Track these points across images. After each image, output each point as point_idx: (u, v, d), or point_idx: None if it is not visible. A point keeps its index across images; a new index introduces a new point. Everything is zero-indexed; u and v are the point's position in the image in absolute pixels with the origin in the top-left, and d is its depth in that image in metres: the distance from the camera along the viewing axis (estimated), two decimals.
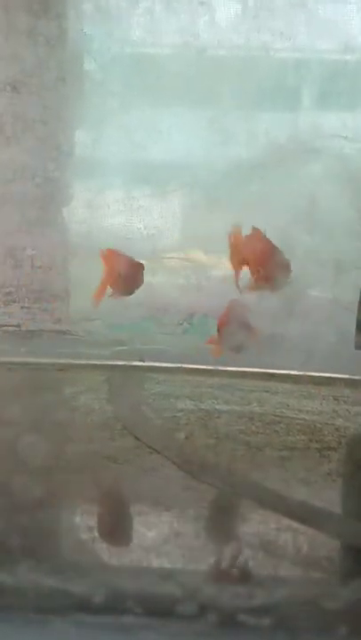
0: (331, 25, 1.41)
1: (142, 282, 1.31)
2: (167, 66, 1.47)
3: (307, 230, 1.38)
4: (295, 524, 0.85)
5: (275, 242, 1.35)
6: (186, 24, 1.43)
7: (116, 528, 0.90)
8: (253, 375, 1.52)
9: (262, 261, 1.19)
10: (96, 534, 0.86)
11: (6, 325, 1.58)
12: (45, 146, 1.50)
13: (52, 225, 1.56)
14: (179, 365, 1.57)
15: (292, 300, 1.37)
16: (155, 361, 1.58)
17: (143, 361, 1.58)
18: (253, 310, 1.37)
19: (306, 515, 0.89)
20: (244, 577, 0.75)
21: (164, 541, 0.83)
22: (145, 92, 1.49)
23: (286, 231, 1.39)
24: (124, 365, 1.56)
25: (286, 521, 0.87)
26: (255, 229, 1.20)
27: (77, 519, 0.92)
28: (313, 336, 1.29)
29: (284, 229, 1.40)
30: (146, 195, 1.54)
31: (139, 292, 1.60)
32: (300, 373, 1.51)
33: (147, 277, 1.61)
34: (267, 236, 1.18)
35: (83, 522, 0.90)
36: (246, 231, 1.20)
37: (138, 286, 1.31)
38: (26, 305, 1.58)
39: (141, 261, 1.34)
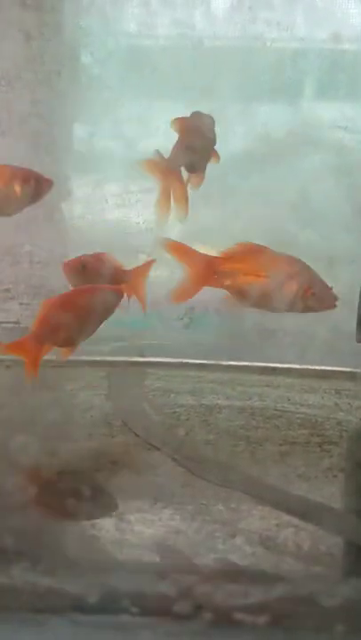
0: (328, 14, 1.40)
1: None
2: (164, 58, 1.46)
3: (307, 222, 1.37)
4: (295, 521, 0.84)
5: (275, 234, 1.34)
6: (182, 15, 1.41)
7: (113, 524, 0.89)
8: (254, 370, 1.51)
9: None
10: (93, 532, 0.85)
11: (5, 322, 1.57)
12: (41, 140, 1.49)
13: (50, 220, 1.54)
14: (179, 360, 1.56)
15: None
16: (155, 356, 1.57)
17: (143, 356, 1.57)
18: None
19: (306, 511, 0.88)
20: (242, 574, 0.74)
21: (162, 539, 0.82)
22: (142, 85, 1.48)
23: (285, 223, 1.38)
24: (124, 361, 1.56)
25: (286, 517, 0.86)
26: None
27: (74, 517, 0.91)
28: (309, 329, 1.28)
29: (283, 222, 1.39)
30: (144, 189, 1.53)
31: None
32: (302, 367, 1.50)
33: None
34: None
35: (79, 520, 0.89)
36: None
37: None
38: (24, 301, 1.57)
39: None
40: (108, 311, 1.15)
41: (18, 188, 1.15)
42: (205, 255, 1.13)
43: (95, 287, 1.16)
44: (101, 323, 1.15)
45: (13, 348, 1.11)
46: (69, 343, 1.13)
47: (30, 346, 1.08)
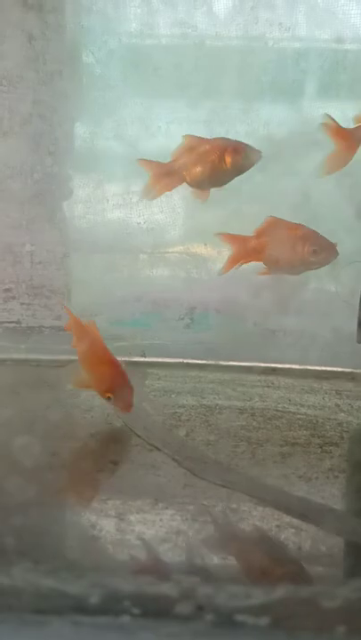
0: (330, 15, 1.40)
1: None
2: (166, 58, 1.46)
3: (308, 222, 1.37)
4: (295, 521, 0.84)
5: None
6: (184, 16, 1.41)
7: (114, 525, 0.89)
8: (255, 370, 1.51)
9: None
10: (94, 533, 0.85)
11: (6, 322, 1.57)
12: (43, 140, 1.49)
13: (52, 220, 1.55)
14: (180, 360, 1.56)
15: (291, 293, 1.36)
16: (156, 356, 1.57)
17: (145, 356, 1.57)
18: (251, 305, 1.37)
19: (307, 511, 0.88)
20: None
21: (162, 540, 0.82)
22: (143, 85, 1.48)
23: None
24: (126, 361, 1.55)
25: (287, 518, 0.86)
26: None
27: (75, 518, 0.91)
28: (312, 329, 1.28)
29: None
30: None
31: (140, 287, 1.59)
32: (303, 367, 1.50)
33: (148, 272, 1.61)
34: None
35: (80, 520, 0.89)
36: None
37: None
38: (26, 301, 1.57)
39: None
40: None
41: (228, 160, 1.19)
42: None
43: None
44: None
45: None
46: None
47: None
